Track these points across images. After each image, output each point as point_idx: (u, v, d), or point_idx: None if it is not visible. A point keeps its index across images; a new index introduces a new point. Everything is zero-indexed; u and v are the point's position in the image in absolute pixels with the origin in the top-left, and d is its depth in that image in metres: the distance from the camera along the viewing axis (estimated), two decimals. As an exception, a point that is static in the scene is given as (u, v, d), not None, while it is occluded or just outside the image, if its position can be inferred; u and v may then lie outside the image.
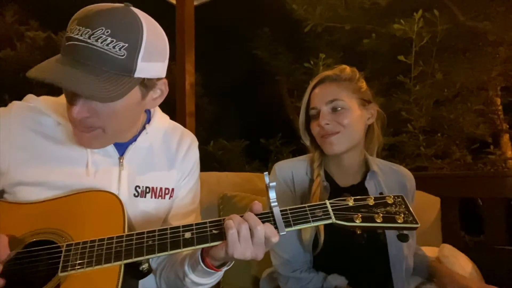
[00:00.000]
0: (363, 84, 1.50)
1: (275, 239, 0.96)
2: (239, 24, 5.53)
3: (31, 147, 1.10)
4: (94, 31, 0.89)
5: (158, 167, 1.24)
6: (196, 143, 1.37)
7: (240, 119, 6.26)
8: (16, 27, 5.06)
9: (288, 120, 5.43)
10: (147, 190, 1.20)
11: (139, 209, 1.18)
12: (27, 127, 1.12)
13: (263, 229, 0.94)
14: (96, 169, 1.13)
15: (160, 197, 1.23)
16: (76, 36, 0.90)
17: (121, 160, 1.16)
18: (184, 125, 2.77)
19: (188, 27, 2.87)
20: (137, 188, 1.18)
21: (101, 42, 0.90)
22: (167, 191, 1.25)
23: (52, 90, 1.22)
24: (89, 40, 0.90)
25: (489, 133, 3.75)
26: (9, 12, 5.01)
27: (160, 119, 1.29)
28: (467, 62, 3.79)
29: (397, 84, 3.58)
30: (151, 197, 1.21)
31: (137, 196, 1.18)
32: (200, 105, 5.08)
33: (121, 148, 1.18)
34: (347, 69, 1.50)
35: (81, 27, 0.90)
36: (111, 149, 1.15)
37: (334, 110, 1.43)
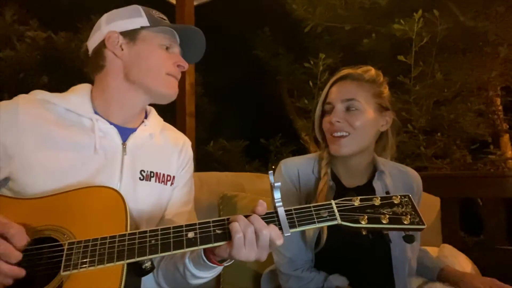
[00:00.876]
0: (385, 90, 1.46)
1: (279, 242, 0.96)
2: (239, 24, 5.52)
3: (39, 132, 1.14)
4: None
5: (160, 155, 1.32)
6: (189, 142, 1.47)
7: (240, 119, 6.25)
8: (16, 27, 5.05)
9: (288, 120, 5.43)
10: (152, 174, 1.27)
11: (144, 192, 1.23)
12: (34, 113, 1.16)
13: (269, 233, 0.95)
14: (103, 153, 1.19)
15: (163, 183, 1.30)
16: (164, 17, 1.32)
17: (124, 146, 1.23)
18: (184, 125, 2.80)
19: (188, 27, 2.87)
20: (142, 172, 1.25)
21: None
22: (169, 178, 1.32)
23: (51, 90, 1.25)
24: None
25: (489, 133, 3.75)
26: (9, 12, 5.00)
27: (156, 117, 1.40)
28: (467, 62, 3.78)
29: (397, 84, 3.58)
30: (155, 181, 1.28)
31: (142, 180, 1.24)
32: (200, 105, 5.08)
33: (124, 136, 1.25)
34: (372, 71, 1.47)
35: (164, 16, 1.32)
36: (115, 135, 1.23)
37: (348, 109, 1.40)
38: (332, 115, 1.41)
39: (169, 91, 1.28)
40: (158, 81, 1.25)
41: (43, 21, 5.20)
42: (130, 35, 1.25)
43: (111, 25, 1.26)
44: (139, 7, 1.28)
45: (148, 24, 1.25)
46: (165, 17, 1.32)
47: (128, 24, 1.25)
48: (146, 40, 1.25)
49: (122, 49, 1.24)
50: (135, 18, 1.26)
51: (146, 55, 1.24)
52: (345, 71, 1.47)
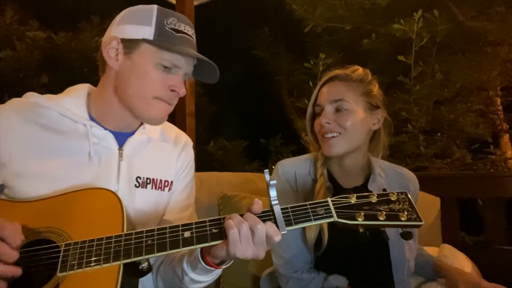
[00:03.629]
0: (375, 88, 1.47)
1: (277, 238, 0.96)
2: (239, 24, 5.51)
3: (33, 139, 1.12)
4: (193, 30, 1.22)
5: (157, 160, 1.28)
6: (191, 142, 1.42)
7: (240, 119, 6.24)
8: (16, 27, 5.05)
9: (288, 120, 5.41)
10: (148, 181, 1.24)
11: (140, 199, 1.21)
12: (28, 119, 1.14)
13: (264, 228, 0.94)
14: (97, 160, 1.16)
15: (160, 189, 1.27)
16: (188, 32, 1.19)
17: (121, 151, 1.20)
18: (184, 125, 2.79)
19: (188, 27, 2.86)
20: (138, 178, 1.22)
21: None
22: (166, 184, 1.29)
23: (51, 90, 1.24)
24: (193, 36, 1.21)
25: (489, 133, 3.75)
26: (9, 12, 5.00)
27: None
28: (467, 62, 3.78)
29: (397, 84, 3.57)
30: (152, 188, 1.25)
31: (138, 187, 1.21)
32: (200, 105, 5.07)
33: (121, 141, 1.22)
34: (359, 70, 1.47)
35: (186, 26, 1.18)
36: (111, 140, 1.20)
37: (338, 110, 1.41)
38: (321, 116, 1.42)
39: (152, 116, 1.18)
40: (142, 104, 1.16)
41: (43, 21, 5.19)
42: (130, 44, 1.14)
43: (119, 27, 1.17)
44: (154, 12, 1.15)
45: (152, 38, 1.12)
46: (185, 28, 1.18)
47: (131, 32, 1.14)
48: (144, 55, 1.14)
49: (117, 59, 1.15)
50: (141, 26, 1.14)
51: (138, 72, 1.14)
52: (333, 72, 1.48)
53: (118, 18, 1.19)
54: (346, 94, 1.41)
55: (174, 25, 1.15)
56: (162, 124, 1.30)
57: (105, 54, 1.16)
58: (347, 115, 1.40)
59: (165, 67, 1.15)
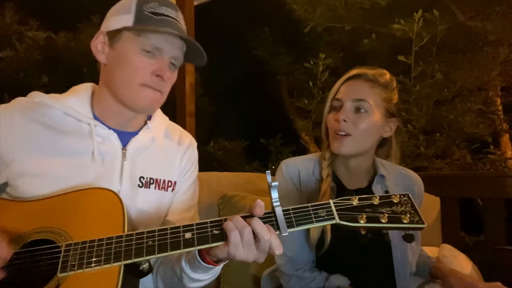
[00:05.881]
0: (395, 97, 1.46)
1: (278, 251, 0.94)
2: (239, 24, 5.51)
3: (35, 138, 1.12)
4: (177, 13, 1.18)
5: (161, 160, 1.27)
6: (195, 143, 1.41)
7: (240, 119, 6.24)
8: (16, 27, 5.06)
9: (288, 120, 5.42)
10: (151, 181, 1.23)
11: (143, 199, 1.20)
12: (31, 118, 1.13)
13: (270, 239, 0.93)
14: (101, 160, 1.16)
15: (163, 189, 1.26)
16: (171, 15, 1.14)
17: (124, 151, 1.19)
18: (184, 125, 2.79)
19: (188, 27, 2.86)
20: (142, 178, 1.21)
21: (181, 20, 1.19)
22: (170, 184, 1.28)
23: (51, 90, 1.24)
24: (178, 18, 1.17)
25: (489, 133, 3.74)
26: (9, 12, 5.01)
27: (161, 117, 1.34)
28: (467, 62, 3.78)
29: (397, 84, 3.57)
30: (155, 188, 1.24)
31: (141, 187, 1.21)
32: (200, 105, 5.07)
33: (125, 140, 1.21)
34: (387, 75, 1.46)
35: (168, 8, 1.15)
36: (115, 140, 1.19)
37: (357, 110, 1.39)
38: (340, 112, 1.40)
39: (140, 104, 1.16)
40: (128, 92, 1.14)
41: (43, 21, 5.20)
42: (113, 35, 1.14)
43: (105, 22, 1.18)
44: (134, 0, 1.14)
45: (131, 24, 1.10)
46: (167, 11, 1.14)
47: (114, 23, 1.14)
48: (126, 43, 1.12)
49: (104, 52, 1.15)
50: (122, 15, 1.13)
51: (122, 61, 1.13)
52: (360, 70, 1.45)
53: (107, 14, 1.20)
54: (370, 96, 1.39)
55: (154, 9, 1.13)
56: (154, 113, 1.29)
57: (93, 49, 1.16)
58: (365, 117, 1.38)
59: (148, 51, 1.12)
